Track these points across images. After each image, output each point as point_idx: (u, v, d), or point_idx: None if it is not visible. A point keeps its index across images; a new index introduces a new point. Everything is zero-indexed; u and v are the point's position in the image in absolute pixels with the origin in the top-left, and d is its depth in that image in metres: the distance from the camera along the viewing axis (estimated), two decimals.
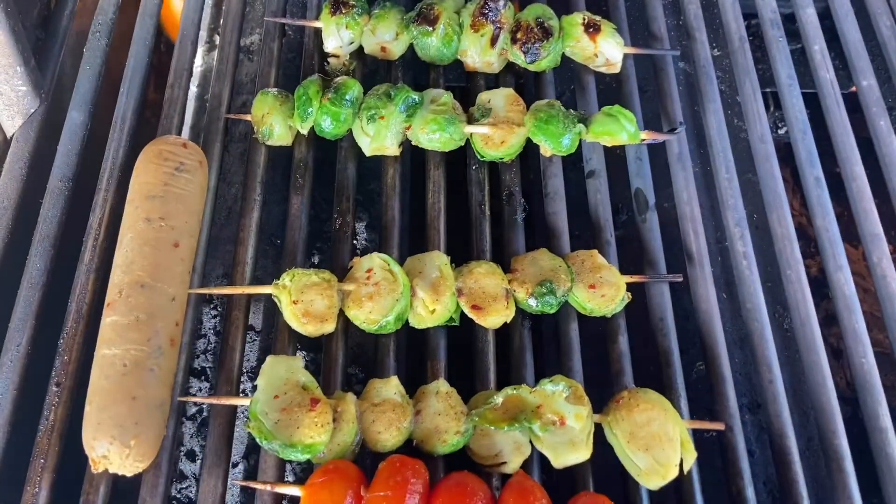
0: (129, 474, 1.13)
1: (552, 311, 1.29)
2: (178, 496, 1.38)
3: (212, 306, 1.54)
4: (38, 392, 1.21)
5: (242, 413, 1.41)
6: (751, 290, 1.38)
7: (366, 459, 1.18)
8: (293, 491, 1.12)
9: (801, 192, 1.66)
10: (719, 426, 1.22)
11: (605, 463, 1.21)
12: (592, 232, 1.43)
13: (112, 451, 1.08)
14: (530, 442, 1.18)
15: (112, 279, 1.21)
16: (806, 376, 1.32)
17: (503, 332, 1.32)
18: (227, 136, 1.52)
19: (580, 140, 1.44)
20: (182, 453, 1.41)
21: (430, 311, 1.26)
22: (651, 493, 1.18)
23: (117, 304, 1.17)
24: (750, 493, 1.20)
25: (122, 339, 1.14)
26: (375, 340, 1.31)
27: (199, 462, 1.40)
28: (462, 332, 1.33)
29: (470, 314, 1.27)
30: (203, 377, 1.47)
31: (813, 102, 1.63)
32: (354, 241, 1.44)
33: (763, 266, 1.46)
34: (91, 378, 1.14)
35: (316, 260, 1.58)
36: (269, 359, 1.19)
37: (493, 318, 1.27)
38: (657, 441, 1.15)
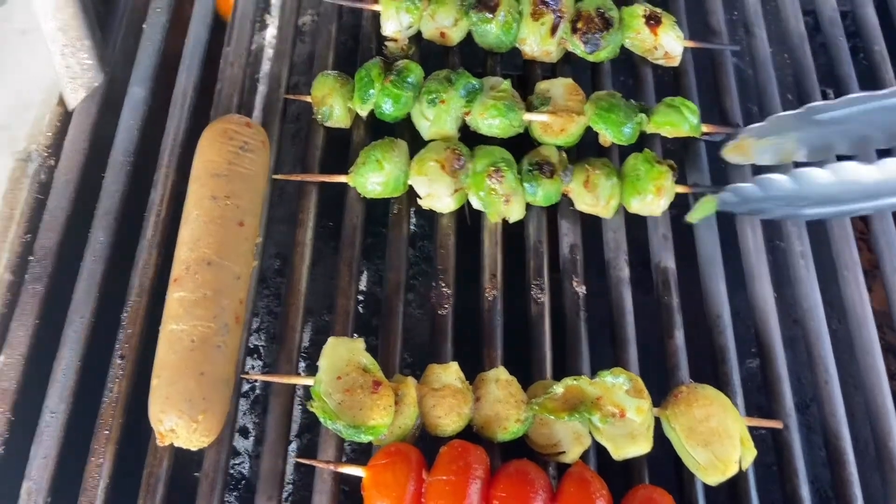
0: (194, 448, 1.14)
1: None
2: (232, 472, 1.40)
3: (264, 286, 1.55)
4: (102, 365, 1.22)
5: (297, 392, 1.43)
6: (807, 289, 1.38)
7: (426, 443, 1.19)
8: (355, 471, 1.13)
9: None
10: (777, 424, 1.22)
11: (659, 456, 1.22)
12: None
13: (180, 425, 1.10)
14: (589, 432, 1.18)
15: (178, 255, 1.22)
16: (861, 378, 1.32)
17: (560, 321, 1.33)
18: (284, 121, 1.52)
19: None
20: (236, 429, 1.42)
21: None
22: (706, 488, 1.19)
23: (184, 280, 1.18)
24: (805, 492, 1.20)
25: (189, 315, 1.15)
26: (431, 325, 1.32)
27: (251, 438, 1.42)
28: (517, 319, 1.34)
29: None
30: (256, 355, 1.48)
31: None
32: (413, 227, 1.44)
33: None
34: (157, 352, 1.15)
35: (367, 243, 1.58)
36: (330, 340, 1.20)
37: None
38: (717, 437, 1.15)
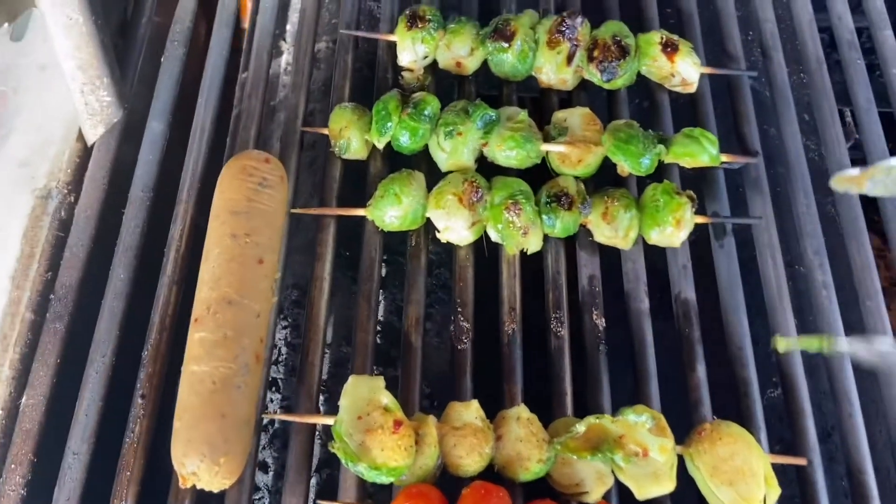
0: (216, 490, 1.14)
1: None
2: None
3: (282, 317, 1.55)
4: (123, 405, 1.23)
5: (316, 429, 1.43)
6: (830, 320, 1.36)
7: (446, 483, 1.19)
8: None
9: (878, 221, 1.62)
10: (801, 461, 1.21)
11: (683, 495, 1.21)
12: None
13: (202, 469, 1.10)
14: (612, 472, 1.17)
15: (199, 294, 1.22)
16: (884, 407, 1.31)
17: (579, 354, 1.32)
18: (301, 154, 1.52)
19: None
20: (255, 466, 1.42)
21: None
22: None
23: (206, 321, 1.18)
24: None
25: (210, 356, 1.16)
26: (451, 357, 1.31)
27: (271, 473, 1.42)
28: (537, 352, 1.34)
29: None
30: (275, 388, 1.48)
31: (887, 122, 1.60)
32: (430, 256, 1.44)
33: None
34: (179, 394, 1.16)
35: (384, 272, 1.58)
36: (351, 379, 1.20)
37: None
38: (741, 475, 1.14)
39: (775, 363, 1.36)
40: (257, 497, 1.41)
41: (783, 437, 1.37)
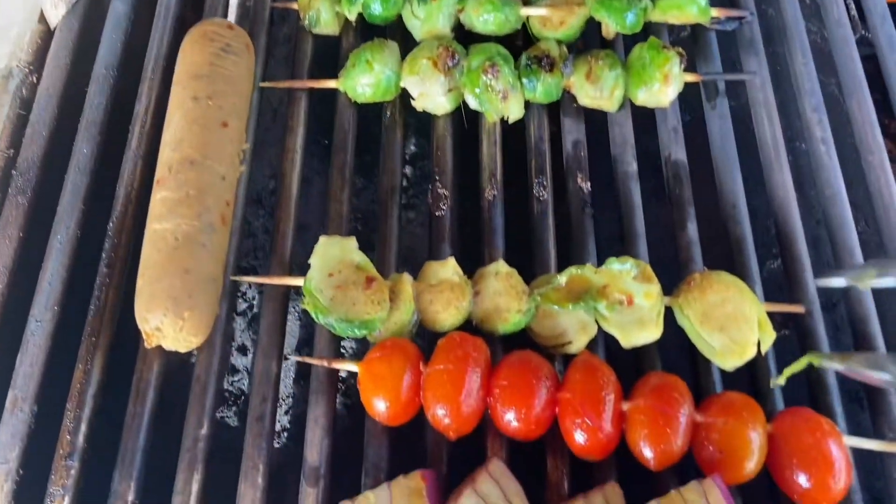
0: (182, 350, 1.10)
1: None
2: (231, 388, 1.36)
3: (259, 206, 1.50)
4: (90, 276, 1.18)
5: (294, 308, 1.38)
6: (830, 176, 1.29)
7: (426, 342, 1.14)
8: (349, 367, 1.08)
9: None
10: (798, 309, 1.14)
11: (672, 348, 1.15)
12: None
13: (165, 323, 1.05)
14: (596, 322, 1.12)
15: (161, 157, 1.18)
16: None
17: (564, 219, 1.26)
18: (271, 34, 1.46)
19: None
20: (234, 348, 1.38)
21: None
22: (724, 377, 1.12)
23: (167, 181, 1.14)
24: (831, 379, 1.13)
25: (172, 213, 1.11)
26: (428, 230, 1.26)
27: (250, 356, 1.38)
28: (519, 219, 1.27)
29: None
30: (253, 275, 1.43)
31: None
32: (406, 129, 1.38)
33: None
34: (143, 253, 1.11)
35: (367, 159, 1.52)
36: (322, 239, 1.15)
37: None
38: (733, 321, 1.08)
39: (774, 235, 1.30)
40: (236, 378, 1.37)
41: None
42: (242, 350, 1.39)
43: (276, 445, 1.32)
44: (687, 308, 1.11)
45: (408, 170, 1.52)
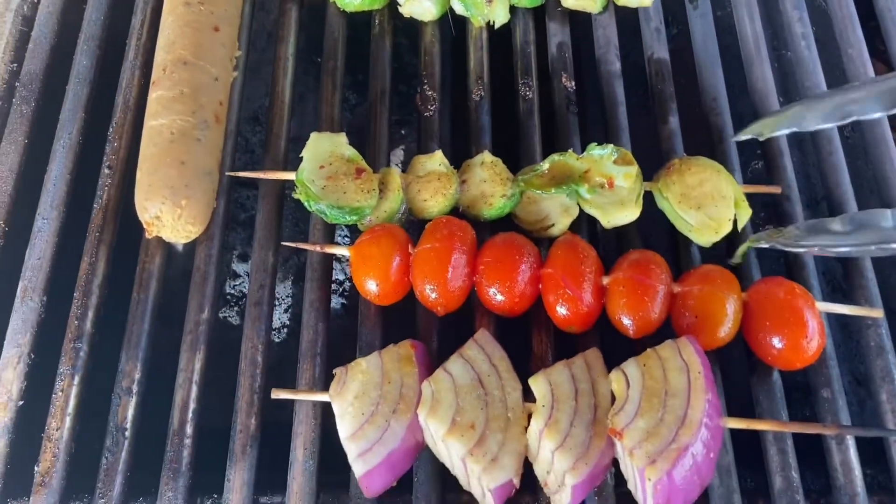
0: (182, 240, 1.15)
1: None
2: (233, 291, 1.41)
3: (257, 123, 1.55)
4: (92, 178, 1.23)
5: (289, 212, 1.43)
6: (810, 68, 1.32)
7: (413, 230, 1.18)
8: (341, 251, 1.13)
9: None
10: (775, 189, 1.18)
11: (653, 232, 1.19)
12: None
13: (164, 211, 1.10)
14: (578, 205, 1.15)
15: (156, 60, 1.22)
16: (868, 151, 1.27)
17: (549, 119, 1.29)
18: None
19: None
20: (235, 255, 1.43)
21: None
22: (703, 257, 1.16)
23: (162, 81, 1.18)
24: (807, 258, 1.16)
25: (167, 110, 1.15)
26: (417, 128, 1.30)
27: (250, 262, 1.42)
28: (506, 119, 1.31)
29: None
30: (251, 186, 1.48)
31: None
32: (395, 38, 1.41)
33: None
34: (141, 149, 1.16)
35: (360, 78, 1.56)
36: (313, 135, 1.19)
37: None
38: (709, 199, 1.12)
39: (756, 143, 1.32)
40: (237, 283, 1.42)
41: (766, 203, 1.33)
42: (243, 257, 1.44)
43: (276, 340, 1.38)
44: (666, 191, 1.14)
45: (397, 77, 1.55)
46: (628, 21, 1.39)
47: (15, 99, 1.29)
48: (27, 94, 1.29)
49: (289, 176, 1.19)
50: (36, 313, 1.13)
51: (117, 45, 1.35)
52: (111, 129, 1.26)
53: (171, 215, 1.10)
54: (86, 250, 1.17)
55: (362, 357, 1.03)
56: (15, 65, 1.33)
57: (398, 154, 1.52)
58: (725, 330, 1.03)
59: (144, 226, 1.13)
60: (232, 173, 1.21)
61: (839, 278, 1.37)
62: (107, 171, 1.23)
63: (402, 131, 1.49)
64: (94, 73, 1.32)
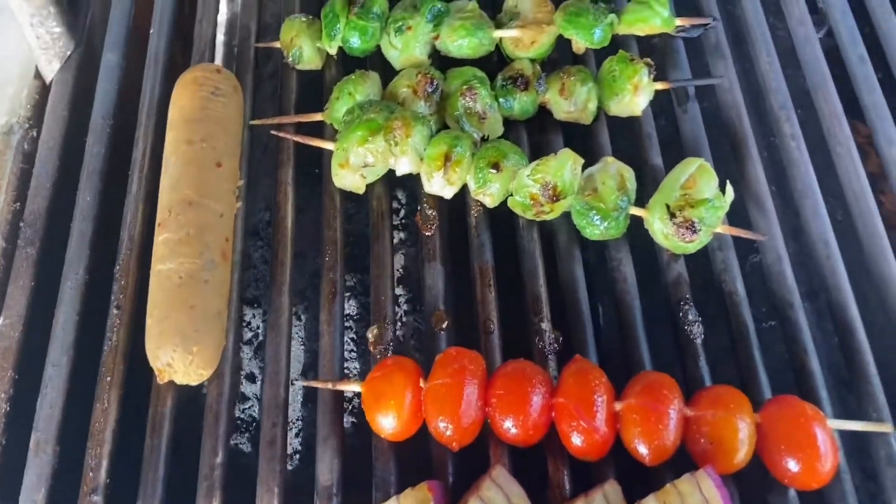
0: (193, 383, 1.15)
1: None
2: (242, 416, 1.41)
3: (257, 238, 1.56)
4: (100, 319, 1.24)
5: (297, 334, 1.44)
6: (801, 170, 1.35)
7: (423, 357, 1.19)
8: (353, 387, 1.13)
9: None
10: (761, 237, 1.24)
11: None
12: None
13: (176, 359, 1.11)
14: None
15: (161, 200, 1.24)
16: (863, 247, 1.29)
17: (548, 233, 1.32)
18: (258, 71, 1.52)
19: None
20: (243, 376, 1.44)
21: None
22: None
23: (168, 223, 1.19)
24: (815, 365, 1.17)
25: (174, 254, 1.17)
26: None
27: (259, 383, 1.43)
28: (506, 235, 1.33)
29: None
30: (256, 304, 1.49)
31: None
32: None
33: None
34: (149, 294, 1.17)
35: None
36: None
37: None
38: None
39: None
40: (247, 406, 1.42)
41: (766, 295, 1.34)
42: (251, 378, 1.44)
43: (289, 468, 1.37)
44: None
45: (398, 193, 1.57)
46: (618, 128, 1.42)
47: (20, 240, 1.30)
48: (31, 235, 1.30)
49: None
50: (50, 466, 1.13)
51: (119, 178, 1.36)
52: (117, 267, 1.27)
53: (182, 362, 1.11)
54: (97, 396, 1.17)
55: (380, 499, 1.03)
56: (17, 204, 1.34)
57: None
58: (741, 456, 1.04)
59: (156, 372, 1.14)
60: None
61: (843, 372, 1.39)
62: (115, 311, 1.23)
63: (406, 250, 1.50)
64: (98, 208, 1.33)
